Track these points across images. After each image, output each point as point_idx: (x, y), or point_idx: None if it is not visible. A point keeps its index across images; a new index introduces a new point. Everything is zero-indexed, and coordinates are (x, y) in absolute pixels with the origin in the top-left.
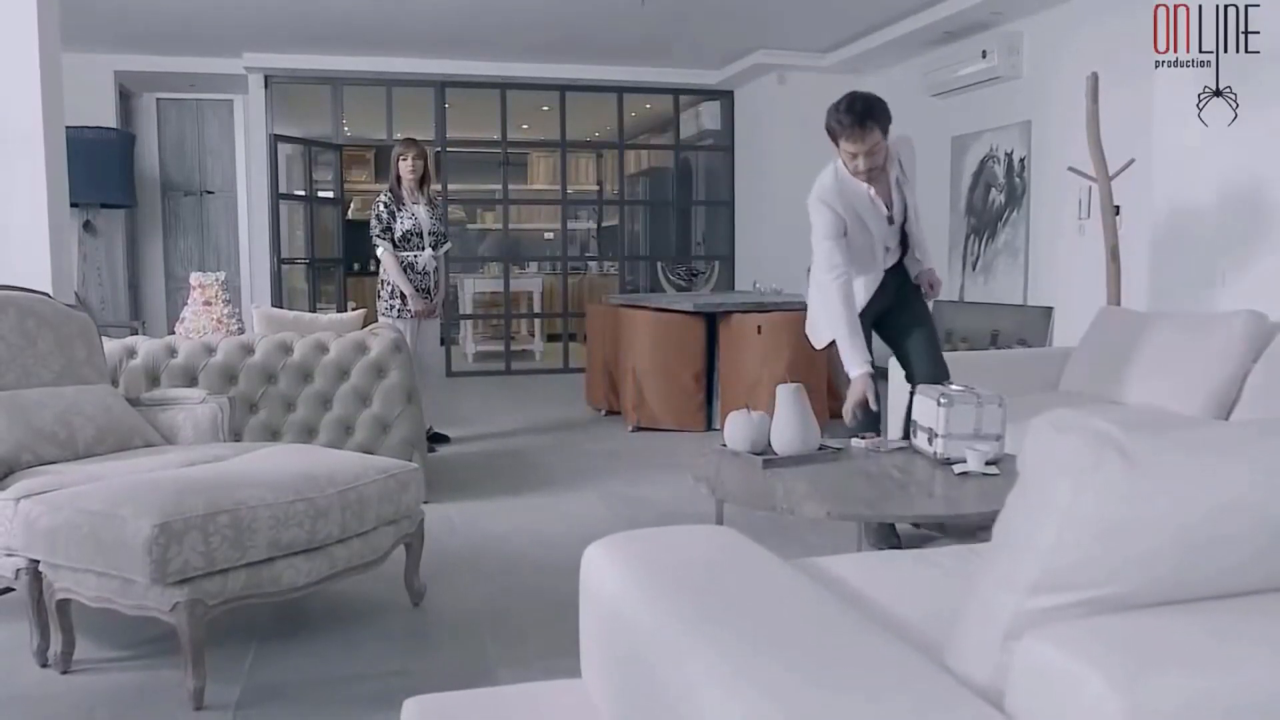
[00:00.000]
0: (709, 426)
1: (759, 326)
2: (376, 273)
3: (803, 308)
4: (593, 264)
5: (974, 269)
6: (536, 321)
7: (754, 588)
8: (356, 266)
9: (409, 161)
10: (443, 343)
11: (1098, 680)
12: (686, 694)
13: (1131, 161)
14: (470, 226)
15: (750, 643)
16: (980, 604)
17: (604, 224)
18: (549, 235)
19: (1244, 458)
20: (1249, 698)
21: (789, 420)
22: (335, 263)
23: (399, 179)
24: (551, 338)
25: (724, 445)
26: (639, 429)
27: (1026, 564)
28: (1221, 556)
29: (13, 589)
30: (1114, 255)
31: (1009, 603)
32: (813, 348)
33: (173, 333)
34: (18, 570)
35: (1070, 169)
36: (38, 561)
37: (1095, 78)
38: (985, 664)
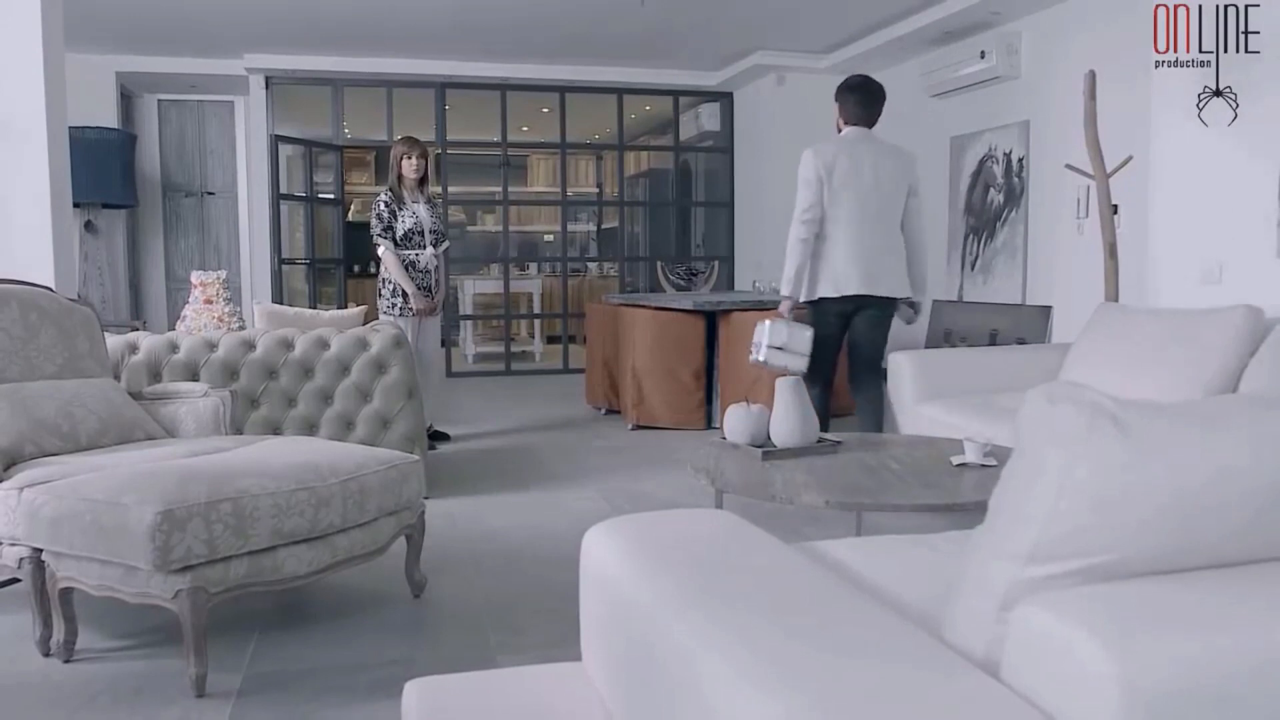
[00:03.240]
0: (709, 424)
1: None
2: (376, 274)
3: (802, 305)
4: (592, 265)
5: (973, 269)
6: (536, 323)
7: (753, 566)
8: (357, 269)
9: (413, 160)
10: (443, 344)
11: (1091, 644)
12: (686, 666)
13: (1129, 159)
14: (471, 228)
15: (750, 616)
16: (976, 576)
17: (604, 225)
18: (549, 237)
19: (1236, 428)
20: (1242, 661)
21: (788, 413)
22: (335, 263)
23: (400, 178)
24: (551, 339)
25: (723, 438)
26: (638, 427)
27: (1021, 534)
28: (1215, 525)
29: (18, 579)
30: (1112, 252)
31: (1004, 573)
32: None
33: (173, 330)
34: (20, 559)
35: (1068, 166)
36: (41, 550)
37: (1092, 75)
38: (981, 635)
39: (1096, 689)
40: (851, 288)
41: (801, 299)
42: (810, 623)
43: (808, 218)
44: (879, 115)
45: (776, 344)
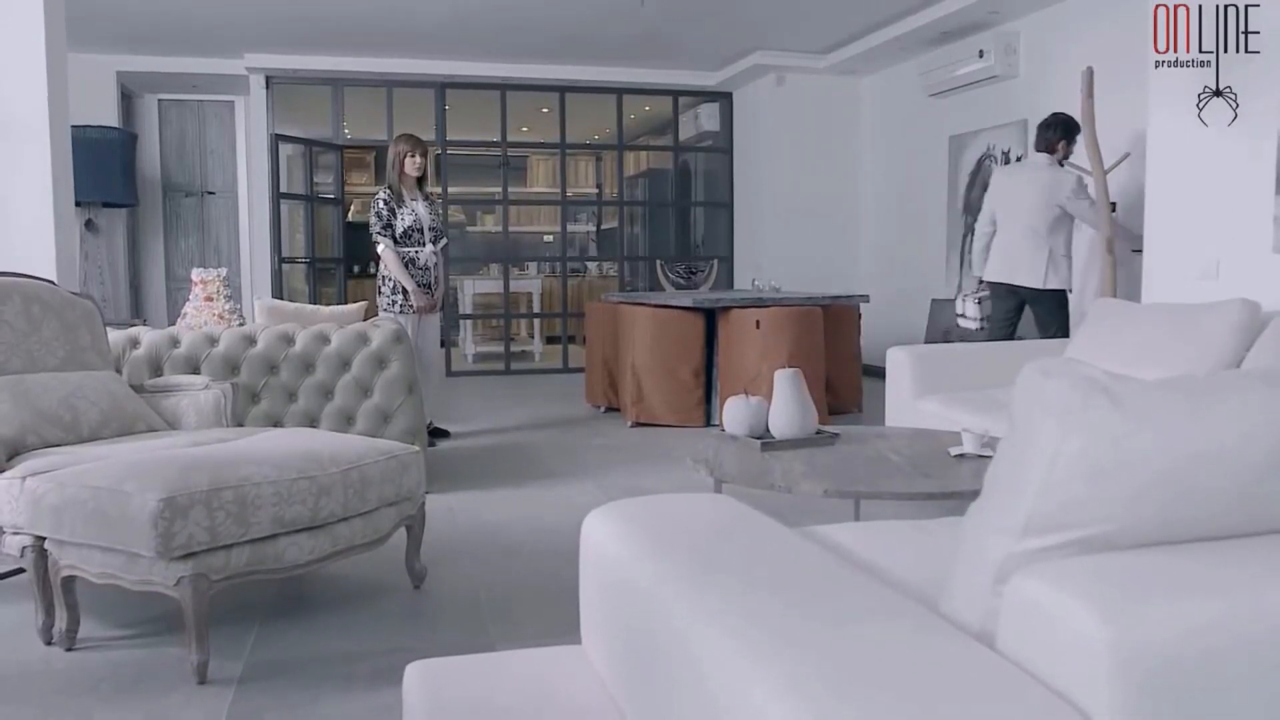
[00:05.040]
0: (708, 422)
1: (757, 321)
2: (376, 274)
3: (801, 303)
4: (592, 265)
5: (972, 268)
6: (536, 323)
7: (753, 546)
8: (357, 269)
9: (415, 159)
10: (443, 344)
11: (1085, 611)
12: (685, 643)
13: (1127, 155)
14: (471, 229)
15: (749, 592)
16: (971, 549)
17: (603, 226)
18: (548, 238)
19: (1229, 401)
20: (1235, 629)
21: (787, 404)
22: (335, 263)
23: (401, 175)
24: (551, 339)
25: (723, 430)
26: (638, 425)
27: (1016, 507)
28: (1208, 497)
29: (23, 570)
30: (1110, 249)
31: (999, 547)
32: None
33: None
34: (23, 548)
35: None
36: (43, 539)
37: (1090, 73)
38: (977, 608)
39: (1091, 658)
40: (991, 275)
41: (976, 274)
42: (808, 597)
43: (977, 229)
44: (1048, 143)
45: (958, 311)
